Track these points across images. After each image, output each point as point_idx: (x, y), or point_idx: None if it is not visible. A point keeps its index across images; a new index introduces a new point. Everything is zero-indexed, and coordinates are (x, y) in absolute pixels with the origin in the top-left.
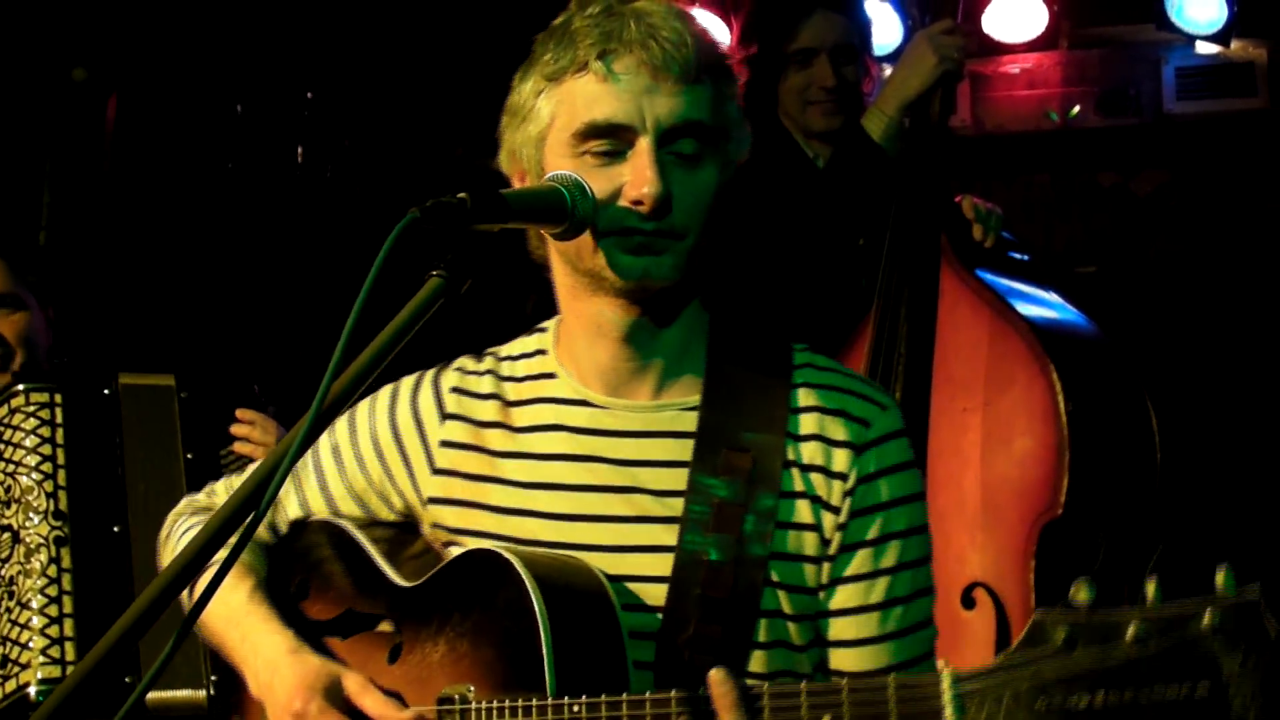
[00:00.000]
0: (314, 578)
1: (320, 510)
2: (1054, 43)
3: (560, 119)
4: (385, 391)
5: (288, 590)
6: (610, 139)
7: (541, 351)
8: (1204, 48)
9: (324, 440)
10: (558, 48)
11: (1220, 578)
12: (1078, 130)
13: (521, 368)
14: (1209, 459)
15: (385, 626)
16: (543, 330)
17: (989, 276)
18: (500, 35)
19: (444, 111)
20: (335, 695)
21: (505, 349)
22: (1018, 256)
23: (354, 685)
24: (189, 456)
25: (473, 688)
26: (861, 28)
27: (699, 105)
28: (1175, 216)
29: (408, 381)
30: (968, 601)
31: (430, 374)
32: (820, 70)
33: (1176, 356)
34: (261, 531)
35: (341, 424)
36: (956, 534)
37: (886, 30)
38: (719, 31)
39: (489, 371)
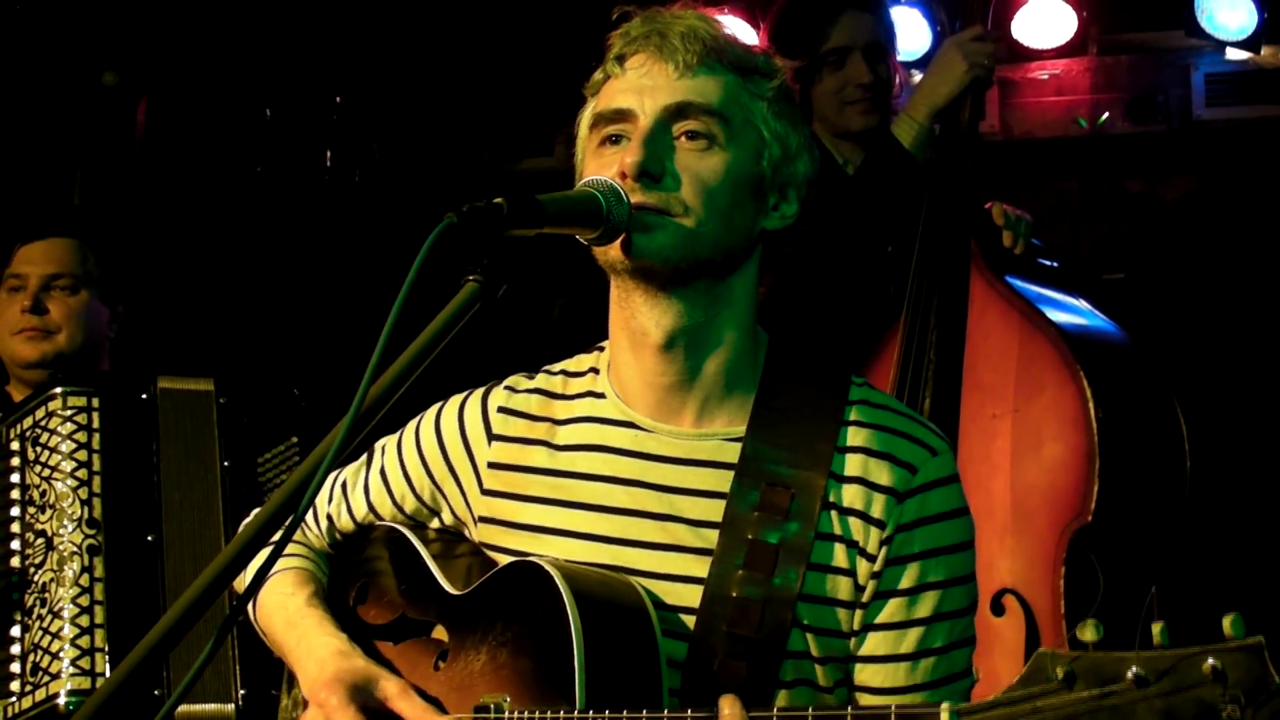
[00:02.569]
0: (372, 584)
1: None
2: (1083, 49)
3: (586, 123)
4: (432, 411)
5: (348, 596)
6: (616, 124)
7: (594, 370)
8: (1234, 54)
9: (374, 461)
10: (598, 69)
11: (1228, 623)
12: (1106, 136)
13: (575, 385)
14: (1238, 465)
15: (436, 634)
16: (600, 349)
17: (1018, 283)
18: (526, 41)
19: (471, 116)
20: (361, 694)
21: (561, 364)
22: (1047, 263)
23: (393, 688)
24: (226, 464)
25: (509, 697)
26: (888, 28)
27: (705, 91)
28: (1203, 223)
29: (455, 400)
30: (997, 608)
31: (479, 393)
32: (855, 68)
33: (1204, 363)
34: (320, 542)
35: (390, 445)
36: (986, 540)
37: (915, 36)
38: (747, 35)
39: (538, 390)
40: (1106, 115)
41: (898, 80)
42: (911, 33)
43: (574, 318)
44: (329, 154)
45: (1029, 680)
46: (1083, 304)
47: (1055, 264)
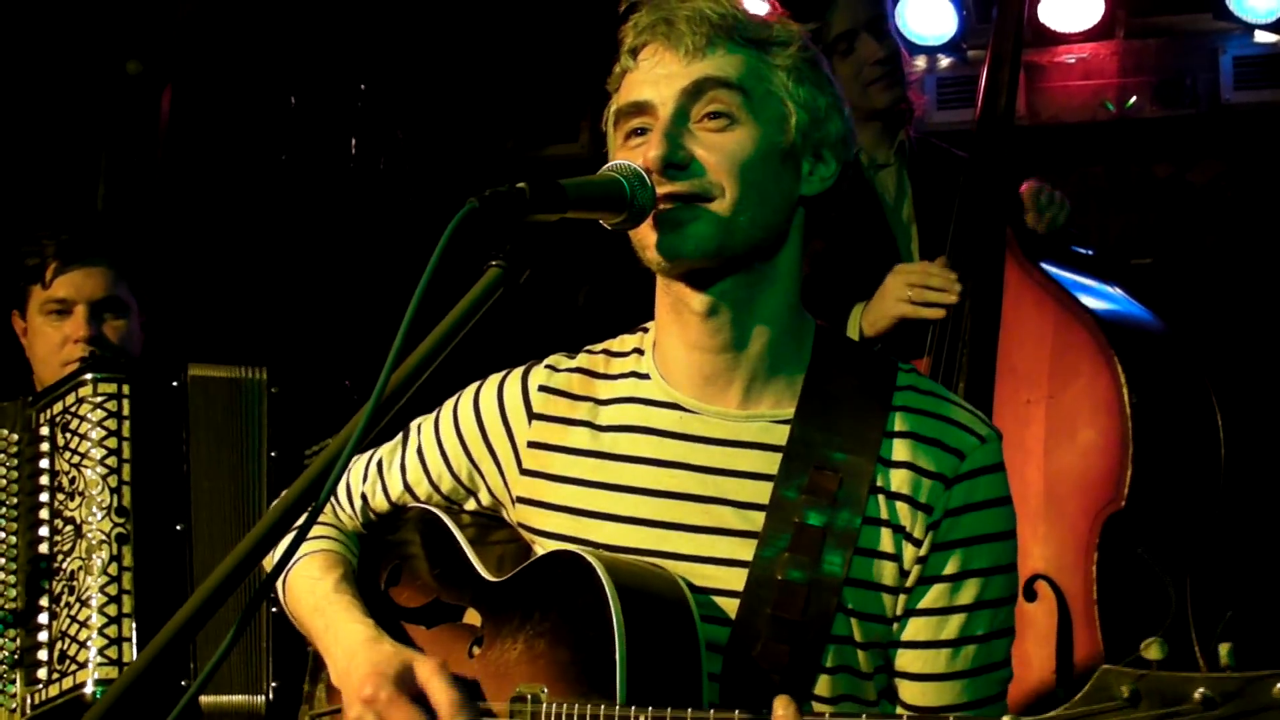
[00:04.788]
0: (405, 566)
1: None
2: (1110, 32)
3: (612, 121)
4: (470, 390)
5: (379, 578)
6: (637, 118)
7: (639, 351)
8: (1262, 37)
9: (410, 441)
10: (616, 64)
11: None
12: (1134, 120)
13: (617, 365)
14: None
15: (469, 619)
16: (644, 330)
17: (1053, 269)
18: (551, 28)
19: (496, 103)
20: (406, 683)
21: (603, 344)
22: (1082, 251)
23: (425, 671)
24: (273, 454)
25: (546, 688)
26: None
27: (719, 67)
28: (1232, 207)
29: (494, 379)
30: (1029, 594)
31: (518, 371)
32: (865, 47)
33: (1234, 348)
34: (353, 522)
35: (427, 424)
36: (1019, 526)
37: (941, 21)
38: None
39: (580, 369)
40: (1134, 99)
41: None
42: (937, 17)
43: (600, 305)
44: (354, 142)
45: (1092, 697)
46: (1118, 291)
47: (1090, 252)
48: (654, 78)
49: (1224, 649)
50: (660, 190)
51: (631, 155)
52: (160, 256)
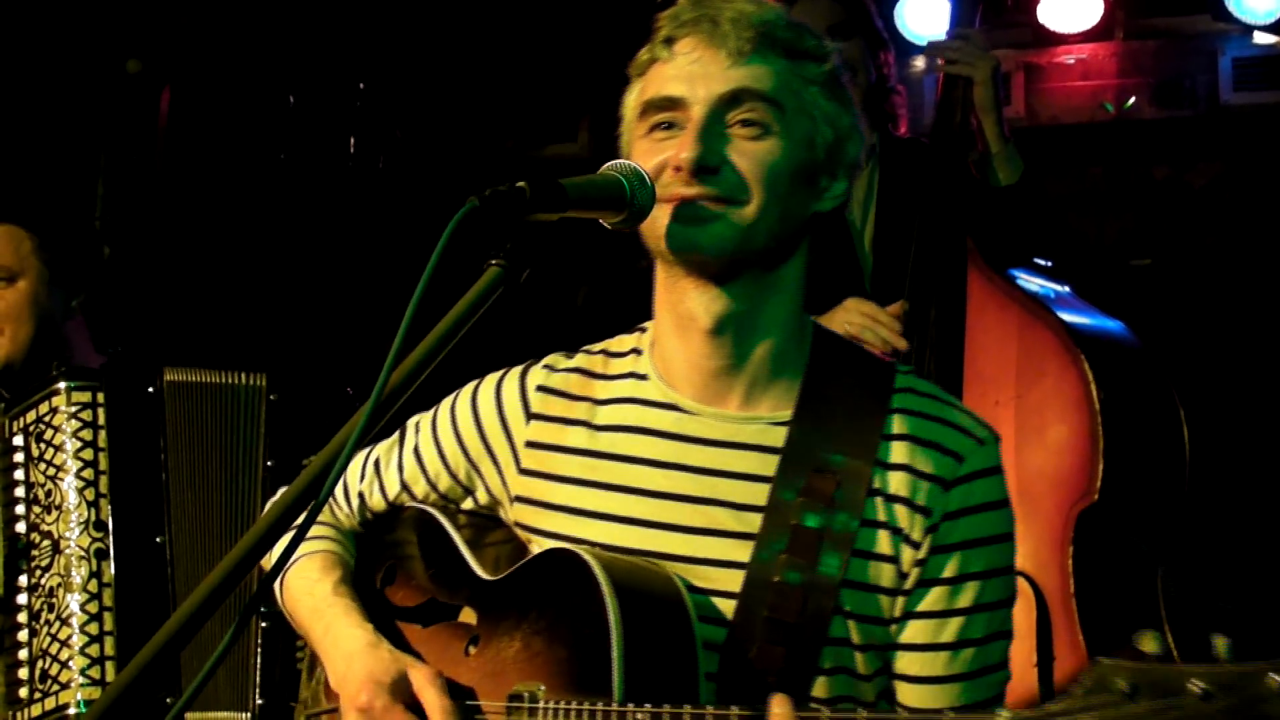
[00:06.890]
0: (401, 566)
1: (405, 504)
2: (1109, 33)
3: (634, 107)
4: (467, 389)
5: (375, 577)
6: (666, 112)
7: (637, 351)
8: (1261, 38)
9: (407, 439)
10: (644, 48)
11: None
12: (1133, 121)
13: (616, 366)
14: (1256, 456)
15: (465, 618)
16: (643, 330)
17: (1014, 275)
18: (551, 27)
19: (495, 103)
20: (402, 691)
21: (601, 344)
22: (1041, 261)
23: (419, 679)
24: (269, 464)
25: (544, 687)
26: (850, 5)
27: (758, 78)
28: (1231, 209)
29: (491, 378)
30: None
31: (516, 371)
32: None
33: (1231, 349)
34: (350, 521)
35: (424, 422)
36: None
37: (938, 20)
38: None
39: (578, 369)
40: (1133, 100)
41: (885, 57)
42: (935, 17)
43: (598, 305)
44: (352, 141)
45: (1091, 691)
46: (1078, 299)
47: (1049, 263)
48: (690, 75)
49: (1220, 642)
50: (689, 192)
51: (656, 148)
52: (159, 257)
